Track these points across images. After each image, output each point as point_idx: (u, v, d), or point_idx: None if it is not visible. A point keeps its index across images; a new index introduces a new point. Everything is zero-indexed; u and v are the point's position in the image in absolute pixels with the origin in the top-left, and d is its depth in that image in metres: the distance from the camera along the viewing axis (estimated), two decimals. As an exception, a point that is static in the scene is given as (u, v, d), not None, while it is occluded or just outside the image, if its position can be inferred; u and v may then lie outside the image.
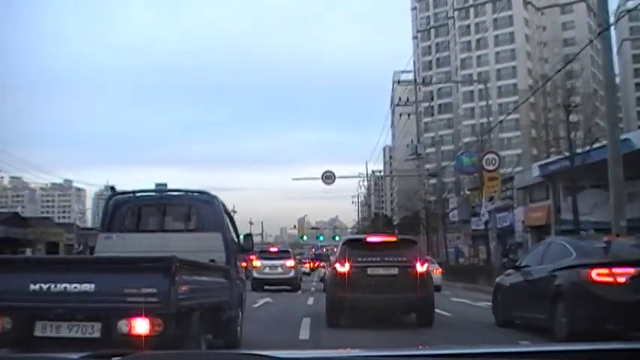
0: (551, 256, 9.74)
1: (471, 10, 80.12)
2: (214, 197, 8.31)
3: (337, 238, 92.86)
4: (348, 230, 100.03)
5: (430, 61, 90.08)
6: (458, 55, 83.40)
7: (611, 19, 14.85)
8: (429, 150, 57.21)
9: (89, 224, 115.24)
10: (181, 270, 5.16)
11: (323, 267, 32.98)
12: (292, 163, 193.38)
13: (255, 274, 23.99)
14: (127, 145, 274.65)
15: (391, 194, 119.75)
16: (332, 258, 16.98)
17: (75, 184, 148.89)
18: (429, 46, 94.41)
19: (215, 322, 6.70)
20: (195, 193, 8.54)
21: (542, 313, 9.17)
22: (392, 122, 79.02)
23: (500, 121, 32.87)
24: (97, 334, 4.99)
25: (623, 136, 23.01)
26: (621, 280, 8.11)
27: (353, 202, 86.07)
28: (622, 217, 13.88)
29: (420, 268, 10.99)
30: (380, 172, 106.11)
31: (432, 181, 49.29)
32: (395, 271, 10.92)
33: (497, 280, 12.40)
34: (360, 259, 11.03)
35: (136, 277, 5.03)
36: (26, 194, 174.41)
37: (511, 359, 1.98)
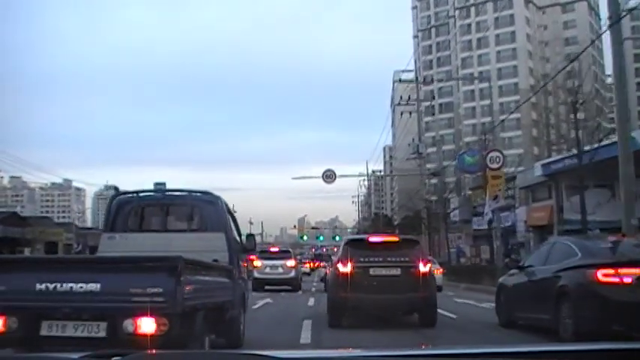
0: (555, 257, 9.64)
1: (472, 9, 79.93)
2: (217, 197, 8.31)
3: (337, 238, 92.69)
4: (348, 230, 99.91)
5: (431, 61, 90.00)
6: (459, 54, 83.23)
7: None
8: (429, 150, 56.93)
9: (89, 224, 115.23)
10: (186, 270, 5.18)
11: (324, 267, 32.74)
12: (292, 163, 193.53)
13: (255, 274, 23.78)
14: (127, 145, 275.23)
15: (391, 194, 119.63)
16: (333, 258, 16.78)
17: (74, 184, 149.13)
18: (430, 46, 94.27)
19: (218, 321, 6.71)
20: (199, 194, 8.54)
21: (547, 314, 9.09)
22: (392, 122, 78.90)
23: (502, 121, 32.58)
24: (102, 334, 5.01)
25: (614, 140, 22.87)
26: (627, 280, 7.99)
27: (353, 202, 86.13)
28: (633, 215, 13.61)
29: (423, 268, 10.92)
30: (380, 172, 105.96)
31: (433, 180, 49.05)
32: (397, 271, 10.85)
33: (501, 280, 12.30)
34: (362, 259, 10.95)
35: (142, 277, 5.06)
36: (25, 194, 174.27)
37: (513, 359, 1.96)
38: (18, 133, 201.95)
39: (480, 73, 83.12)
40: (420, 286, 10.73)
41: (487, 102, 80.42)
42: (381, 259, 10.91)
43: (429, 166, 54.71)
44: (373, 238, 11.92)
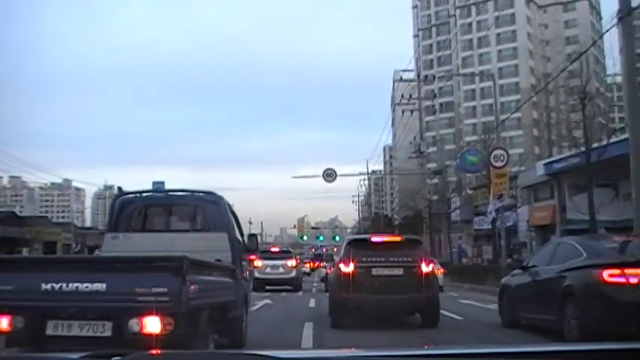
0: (560, 257, 9.55)
1: (473, 7, 79.69)
2: (220, 197, 8.34)
3: (337, 238, 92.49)
4: (348, 230, 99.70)
5: (431, 60, 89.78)
6: (459, 53, 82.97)
7: (614, 19, 14.34)
8: (430, 149, 56.69)
9: (88, 224, 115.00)
10: (191, 269, 5.19)
11: (324, 267, 32.59)
12: (292, 163, 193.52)
13: (256, 274, 23.60)
14: (127, 145, 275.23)
15: (391, 194, 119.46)
16: (335, 258, 16.59)
17: (74, 184, 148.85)
18: (430, 45, 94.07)
19: (222, 321, 6.73)
20: (201, 194, 8.57)
21: (551, 314, 9.04)
22: (392, 121, 78.68)
23: (505, 119, 32.27)
24: (108, 333, 5.05)
25: (625, 136, 22.59)
26: (634, 281, 7.92)
27: (353, 202, 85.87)
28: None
29: (425, 268, 10.87)
30: (380, 172, 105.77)
31: (434, 180, 48.80)
32: (400, 271, 10.80)
33: (504, 280, 12.22)
34: (364, 260, 10.90)
35: (147, 277, 5.07)
36: (25, 194, 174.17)
37: (515, 359, 1.97)
38: (18, 133, 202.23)
39: (481, 72, 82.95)
40: (423, 286, 10.69)
41: (488, 101, 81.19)
42: (383, 259, 10.85)
43: (429, 165, 54.49)
44: (375, 238, 11.84)
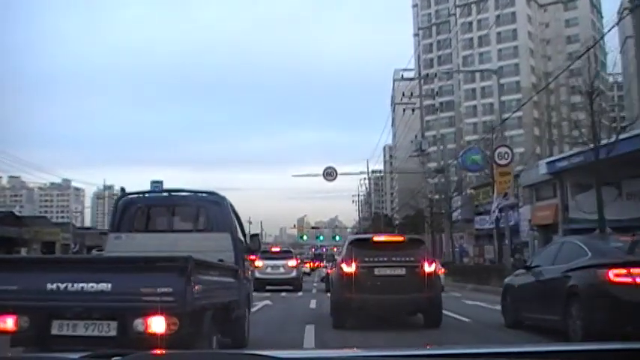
0: (564, 256, 9.47)
1: (473, 6, 79.30)
2: (223, 198, 8.38)
3: (337, 238, 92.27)
4: (348, 230, 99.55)
5: (432, 59, 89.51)
6: (460, 52, 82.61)
7: (614, 18, 14.09)
8: (430, 149, 56.53)
9: (88, 224, 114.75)
10: (196, 269, 5.22)
11: (325, 267, 32.44)
12: (292, 163, 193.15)
13: (257, 274, 23.43)
14: (127, 145, 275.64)
15: (391, 194, 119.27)
16: (337, 258, 16.37)
17: (74, 184, 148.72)
18: (431, 44, 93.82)
19: (225, 321, 6.75)
20: (204, 194, 8.63)
21: (555, 315, 8.97)
22: (392, 121, 78.47)
23: (507, 118, 31.98)
24: (113, 333, 5.07)
25: (635, 132, 22.32)
26: None
27: (353, 202, 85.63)
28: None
29: (428, 268, 10.82)
30: (380, 172, 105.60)
31: (434, 180, 48.59)
32: (402, 271, 10.75)
33: (507, 280, 12.14)
34: (366, 259, 10.82)
35: (152, 277, 5.10)
36: (24, 194, 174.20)
37: (519, 359, 1.97)
38: (17, 133, 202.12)
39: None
40: (425, 286, 10.64)
41: (488, 100, 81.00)
42: (385, 259, 10.78)
43: (430, 165, 54.28)
44: (378, 238, 11.76)
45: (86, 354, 1.81)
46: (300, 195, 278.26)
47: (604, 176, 23.49)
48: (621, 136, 21.19)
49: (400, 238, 12.08)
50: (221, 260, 7.14)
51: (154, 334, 4.96)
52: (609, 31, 26.52)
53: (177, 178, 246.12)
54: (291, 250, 30.03)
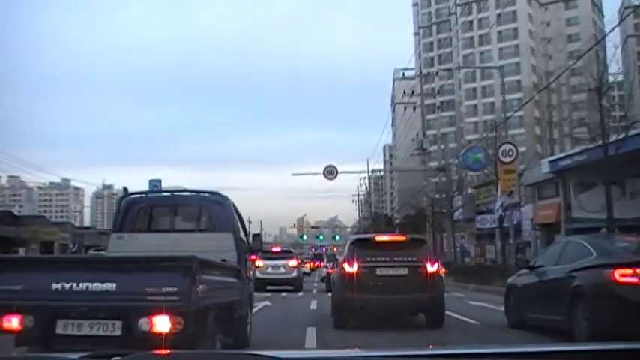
0: (568, 256, 9.39)
1: (474, 5, 79.05)
2: (225, 198, 8.43)
3: (337, 237, 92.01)
4: (348, 230, 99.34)
5: (432, 58, 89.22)
6: (460, 51, 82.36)
7: (615, 17, 13.83)
8: (431, 148, 56.23)
9: (87, 223, 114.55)
10: (200, 269, 5.25)
11: (325, 267, 32.34)
12: (292, 163, 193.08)
13: (257, 274, 23.26)
14: (127, 144, 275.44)
15: (391, 193, 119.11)
16: (338, 257, 16.18)
17: (73, 184, 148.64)
18: (431, 43, 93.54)
19: (228, 320, 6.76)
20: (207, 194, 8.66)
21: (560, 315, 8.89)
22: (392, 121, 78.27)
23: (509, 117, 31.71)
24: (118, 332, 5.08)
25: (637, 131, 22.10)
26: None
27: (353, 201, 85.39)
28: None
29: (431, 267, 10.76)
30: (380, 171, 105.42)
31: (435, 179, 48.34)
32: (404, 271, 10.69)
33: (510, 280, 12.01)
34: (368, 259, 10.75)
35: (157, 276, 5.13)
36: (24, 193, 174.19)
37: (519, 359, 1.98)
38: (17, 133, 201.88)
39: (482, 71, 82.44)
40: (428, 286, 10.58)
41: (489, 99, 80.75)
42: (387, 259, 10.71)
43: (430, 164, 54.06)
44: (380, 238, 11.71)
45: (86, 354, 1.79)
46: (300, 195, 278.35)
47: (608, 175, 23.25)
48: (630, 133, 20.94)
49: (402, 238, 11.99)
50: (224, 260, 7.15)
51: (158, 334, 4.96)
52: (612, 30, 26.39)
53: (177, 178, 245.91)
54: (292, 250, 30.07)
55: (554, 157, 31.84)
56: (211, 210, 8.27)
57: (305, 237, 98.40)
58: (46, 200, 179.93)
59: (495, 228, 33.68)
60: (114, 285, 5.06)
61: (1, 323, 5.13)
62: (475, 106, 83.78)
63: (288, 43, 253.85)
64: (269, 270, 24.30)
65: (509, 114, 31.19)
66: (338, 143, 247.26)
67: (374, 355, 1.98)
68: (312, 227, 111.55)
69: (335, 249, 78.20)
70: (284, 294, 21.91)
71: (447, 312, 11.58)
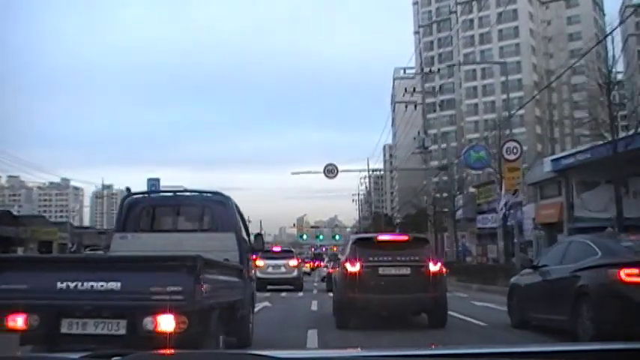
0: (572, 256, 9.32)
1: (474, 4, 78.77)
2: (228, 198, 8.47)
3: (337, 237, 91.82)
4: (348, 230, 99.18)
5: (432, 57, 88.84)
6: (461, 50, 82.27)
7: (616, 15, 13.62)
8: (432, 147, 56.01)
9: (87, 223, 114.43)
10: (204, 269, 5.29)
11: (325, 266, 32.24)
12: (292, 163, 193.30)
13: (258, 274, 23.10)
14: (127, 144, 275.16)
15: (392, 193, 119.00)
16: (340, 257, 16.04)
17: (73, 183, 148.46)
18: (432, 42, 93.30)
19: (231, 320, 6.79)
20: (209, 194, 8.72)
21: (564, 315, 8.83)
22: (393, 120, 78.07)
23: (512, 115, 31.45)
24: (122, 331, 5.10)
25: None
26: None
27: (353, 201, 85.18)
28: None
29: (433, 267, 10.73)
30: (380, 170, 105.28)
31: (435, 179, 48.17)
32: (407, 270, 10.63)
33: (513, 280, 11.97)
34: (370, 259, 10.71)
35: (162, 276, 5.15)
36: (23, 193, 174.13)
37: (522, 359, 1.98)
38: (16, 133, 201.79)
39: (483, 69, 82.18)
40: (430, 285, 10.53)
41: (490, 98, 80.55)
42: (390, 259, 10.65)
43: (432, 163, 53.84)
44: (382, 237, 11.67)
45: (86, 354, 1.79)
46: (300, 194, 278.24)
47: (609, 174, 23.01)
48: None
49: (404, 238, 11.90)
50: (226, 260, 7.17)
51: (163, 333, 4.98)
52: (613, 30, 26.18)
53: (177, 178, 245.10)
54: (293, 249, 30.23)
55: (556, 156, 31.67)
56: (214, 210, 8.30)
57: (305, 237, 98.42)
58: (45, 200, 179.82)
59: (497, 227, 33.44)
60: (118, 284, 5.10)
61: (6, 322, 5.13)
62: (476, 105, 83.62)
63: (288, 43, 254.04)
64: (269, 270, 24.27)
65: (512, 112, 30.86)
66: (338, 143, 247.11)
67: (376, 355, 1.97)
68: (312, 227, 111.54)
69: (335, 249, 78.09)
70: (284, 294, 21.73)
71: (451, 313, 11.44)
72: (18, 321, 5.14)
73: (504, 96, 70.88)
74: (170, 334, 4.97)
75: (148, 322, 5.06)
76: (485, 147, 32.02)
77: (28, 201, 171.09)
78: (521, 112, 60.80)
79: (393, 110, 78.50)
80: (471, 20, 79.60)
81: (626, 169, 20.84)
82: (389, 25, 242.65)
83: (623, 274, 7.79)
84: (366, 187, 79.65)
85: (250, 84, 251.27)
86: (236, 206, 8.55)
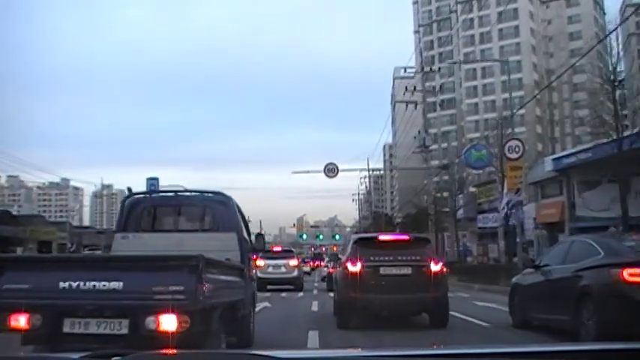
0: (575, 255, 9.25)
1: (475, 3, 78.71)
2: (229, 198, 8.51)
3: (337, 237, 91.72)
4: (347, 229, 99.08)
5: (433, 56, 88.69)
6: (461, 49, 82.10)
7: (617, 15, 13.48)
8: (432, 146, 55.89)
9: (87, 223, 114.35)
10: (206, 268, 5.30)
11: (326, 266, 32.18)
12: (292, 163, 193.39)
13: (258, 274, 23.03)
14: (127, 144, 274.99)
15: (391, 192, 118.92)
16: (341, 257, 15.94)
17: (72, 183, 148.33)
18: (432, 41, 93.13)
19: (232, 320, 6.80)
20: (210, 194, 8.76)
21: (566, 315, 8.78)
22: (393, 120, 77.96)
23: (514, 114, 31.31)
24: (124, 331, 5.12)
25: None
26: None
27: (353, 200, 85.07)
28: None
29: (435, 267, 10.71)
30: (380, 169, 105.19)
31: (436, 178, 48.07)
32: (408, 270, 10.60)
33: (514, 280, 11.93)
34: (372, 259, 10.68)
35: (164, 275, 5.18)
36: (23, 193, 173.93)
37: (523, 359, 1.98)
38: (16, 133, 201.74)
39: (483, 69, 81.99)
40: (432, 285, 10.51)
41: (490, 97, 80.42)
42: (391, 258, 10.63)
43: (432, 162, 53.69)
44: (383, 237, 11.68)
45: (86, 354, 1.79)
46: (300, 194, 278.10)
47: (611, 173, 22.88)
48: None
49: (406, 237, 11.85)
50: (228, 260, 7.17)
51: (165, 332, 4.99)
52: (615, 29, 26.12)
53: (177, 178, 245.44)
54: (293, 249, 30.48)
55: (558, 155, 31.55)
56: (215, 210, 8.32)
57: (305, 236, 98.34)
58: (45, 200, 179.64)
59: (498, 227, 33.31)
60: (121, 284, 5.11)
61: (8, 322, 5.13)
62: (476, 104, 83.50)
63: (288, 43, 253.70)
64: (270, 270, 24.26)
65: (513, 111, 30.70)
66: (338, 143, 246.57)
67: (377, 355, 1.97)
68: (312, 227, 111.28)
69: (335, 248, 78.01)
70: (284, 294, 21.57)
71: (454, 313, 11.37)
72: (20, 321, 5.15)
73: (505, 95, 70.92)
74: (172, 333, 4.99)
75: (150, 321, 5.07)
76: (486, 146, 31.91)
77: (28, 201, 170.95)
78: (521, 111, 60.74)
79: (393, 110, 78.36)
80: (471, 19, 79.49)
81: (630, 168, 20.70)
82: (389, 25, 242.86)
83: (626, 274, 7.74)
84: (366, 187, 79.58)
85: (250, 84, 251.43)
86: (237, 206, 8.56)
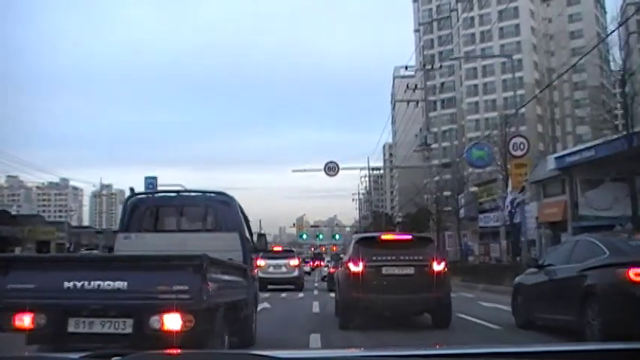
0: (579, 255, 9.18)
1: (475, 1, 78.42)
2: (232, 198, 8.53)
3: (337, 236, 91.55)
4: (347, 229, 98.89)
5: (433, 55, 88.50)
6: (461, 48, 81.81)
7: (618, 13, 13.27)
8: (433, 145, 55.72)
9: (87, 223, 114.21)
10: (210, 268, 5.32)
11: (326, 266, 32.03)
12: (292, 163, 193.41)
13: (259, 274, 22.88)
14: (127, 144, 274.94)
15: (392, 192, 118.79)
16: (342, 257, 15.76)
17: (72, 183, 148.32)
18: (432, 40, 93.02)
19: (235, 319, 6.82)
20: (213, 194, 8.79)
21: (570, 315, 8.72)
22: (393, 119, 77.81)
23: (517, 112, 31.08)
24: (129, 330, 5.14)
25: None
26: None
27: (353, 200, 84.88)
28: None
29: (437, 267, 10.59)
30: (380, 169, 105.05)
31: (436, 177, 47.91)
32: (411, 270, 10.50)
33: (517, 279, 11.83)
34: (374, 258, 10.57)
35: (168, 275, 5.19)
36: (22, 193, 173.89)
37: (517, 359, 1.98)
38: (15, 133, 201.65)
39: (484, 67, 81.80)
40: (434, 285, 10.41)
41: (490, 97, 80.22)
42: (393, 258, 10.54)
43: (433, 161, 53.53)
44: (385, 236, 11.63)
45: (86, 354, 1.79)
46: (300, 194, 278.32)
47: (614, 171, 22.67)
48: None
49: (408, 237, 11.74)
50: (230, 260, 7.13)
51: (169, 332, 5.02)
52: (616, 29, 26.01)
53: (177, 178, 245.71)
54: (293, 249, 30.79)
55: (560, 154, 31.34)
56: (217, 210, 8.35)
57: (305, 236, 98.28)
58: (44, 200, 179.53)
59: (500, 226, 33.08)
60: (125, 284, 5.12)
61: (13, 322, 5.17)
62: (476, 103, 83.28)
63: (288, 43, 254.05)
64: (270, 269, 24.24)
65: (513, 110, 30.51)
66: (338, 143, 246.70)
67: (379, 355, 1.96)
68: (312, 226, 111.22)
69: (335, 248, 77.86)
70: (284, 294, 21.37)
71: (460, 314, 11.24)
72: (25, 320, 5.18)
73: (505, 94, 70.77)
74: (176, 332, 5.01)
75: (154, 320, 5.08)
76: (488, 145, 31.70)
77: (27, 201, 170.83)
78: (522, 110, 60.59)
79: (393, 109, 78.20)
80: (472, 18, 79.23)
81: (638, 165, 20.43)
82: (389, 25, 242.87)
83: (632, 273, 7.67)
84: (366, 187, 79.37)
85: (250, 84, 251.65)
86: (239, 206, 8.58)
